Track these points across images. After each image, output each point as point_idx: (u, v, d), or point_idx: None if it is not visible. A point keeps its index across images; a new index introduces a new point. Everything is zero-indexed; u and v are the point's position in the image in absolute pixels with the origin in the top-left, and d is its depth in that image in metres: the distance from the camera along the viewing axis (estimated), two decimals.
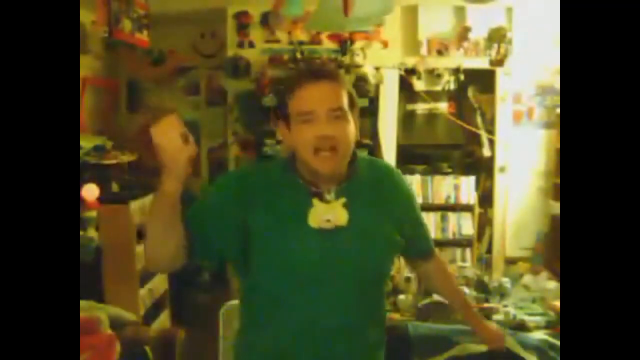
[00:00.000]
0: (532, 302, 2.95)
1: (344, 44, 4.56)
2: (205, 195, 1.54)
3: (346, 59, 4.59)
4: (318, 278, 1.42)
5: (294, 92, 1.42)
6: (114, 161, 3.84)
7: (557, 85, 4.68)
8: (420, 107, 4.99)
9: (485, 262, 4.74)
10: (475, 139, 4.90)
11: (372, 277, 1.50)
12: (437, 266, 1.77)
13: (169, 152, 1.28)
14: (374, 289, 1.54)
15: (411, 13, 4.70)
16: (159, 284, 3.73)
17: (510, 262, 4.52)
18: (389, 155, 4.73)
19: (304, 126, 1.40)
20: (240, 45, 4.71)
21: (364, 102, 4.60)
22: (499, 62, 4.55)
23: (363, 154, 1.61)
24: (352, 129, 1.43)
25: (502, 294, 3.03)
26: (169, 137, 1.27)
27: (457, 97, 4.95)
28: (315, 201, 1.42)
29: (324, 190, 1.44)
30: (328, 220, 1.40)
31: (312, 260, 1.41)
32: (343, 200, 1.42)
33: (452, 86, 4.83)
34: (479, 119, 4.86)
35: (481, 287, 3.09)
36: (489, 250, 4.87)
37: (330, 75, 1.42)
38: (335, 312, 1.44)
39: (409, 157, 4.98)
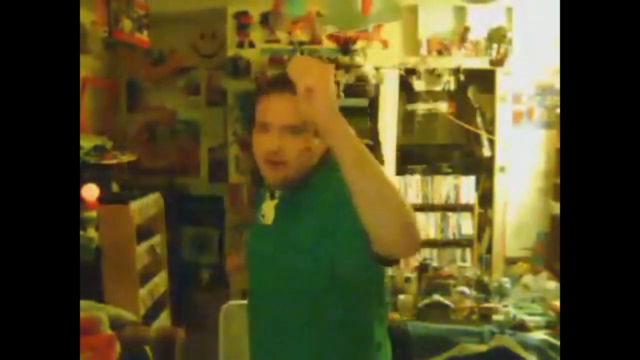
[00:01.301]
0: (532, 302, 2.95)
1: (346, 44, 4.55)
2: None
3: (346, 59, 4.58)
4: (262, 270, 1.52)
5: (259, 100, 1.42)
6: (114, 161, 3.84)
7: (557, 85, 4.68)
8: (420, 107, 4.99)
9: (485, 262, 4.74)
10: (475, 139, 4.90)
11: (291, 279, 1.43)
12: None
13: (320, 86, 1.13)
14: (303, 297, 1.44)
15: (411, 13, 4.70)
16: (159, 284, 3.73)
17: (510, 262, 4.52)
18: (389, 155, 4.74)
19: (259, 136, 1.42)
20: (240, 45, 4.71)
21: (364, 102, 4.61)
22: (499, 62, 4.55)
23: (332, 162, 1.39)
24: (308, 144, 1.39)
25: (502, 294, 3.03)
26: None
27: (457, 97, 4.95)
28: (267, 198, 1.53)
29: (274, 191, 1.51)
30: (262, 216, 1.52)
31: (254, 250, 1.56)
32: (275, 201, 1.49)
33: (452, 86, 4.83)
34: (479, 119, 4.86)
35: (481, 287, 3.09)
36: (489, 250, 4.87)
37: (291, 88, 1.21)
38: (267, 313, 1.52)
39: (409, 157, 4.98)
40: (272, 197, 1.50)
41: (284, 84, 1.31)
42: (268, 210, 1.49)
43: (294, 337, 1.44)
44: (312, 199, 1.42)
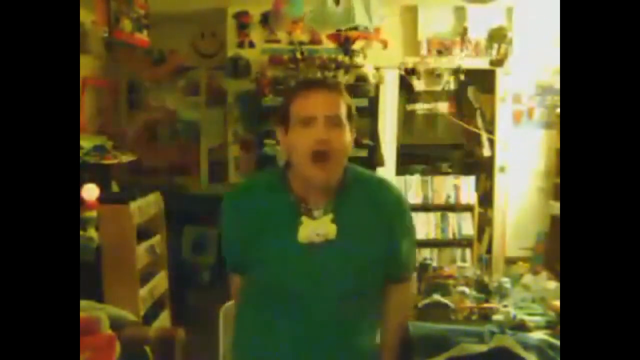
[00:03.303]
0: (532, 302, 2.94)
1: (346, 44, 4.55)
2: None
3: (346, 59, 4.58)
4: (309, 292, 1.49)
5: (296, 98, 1.49)
6: (114, 161, 3.84)
7: (557, 85, 4.68)
8: (420, 107, 4.99)
9: (485, 262, 4.74)
10: (475, 139, 4.90)
11: (364, 287, 1.54)
12: (395, 295, 1.66)
13: None
14: (369, 303, 1.59)
15: (411, 13, 4.70)
16: (159, 284, 3.73)
17: (510, 262, 4.52)
18: (389, 155, 4.74)
19: (303, 130, 1.46)
20: (240, 45, 4.71)
21: (364, 102, 4.60)
22: (499, 62, 4.55)
23: (351, 165, 1.61)
24: (347, 137, 1.49)
25: (502, 294, 3.02)
26: None
27: (457, 97, 4.95)
28: (304, 219, 1.49)
29: (312, 208, 1.51)
30: (318, 235, 1.47)
31: (302, 275, 1.49)
32: (331, 216, 1.49)
33: (452, 86, 4.83)
34: (479, 119, 4.87)
35: (481, 287, 3.08)
36: (489, 250, 4.87)
37: (331, 86, 1.51)
38: (325, 326, 1.51)
39: (409, 157, 4.98)
40: (310, 215, 1.50)
41: (321, 82, 1.61)
42: (326, 225, 1.49)
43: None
44: (360, 206, 1.53)
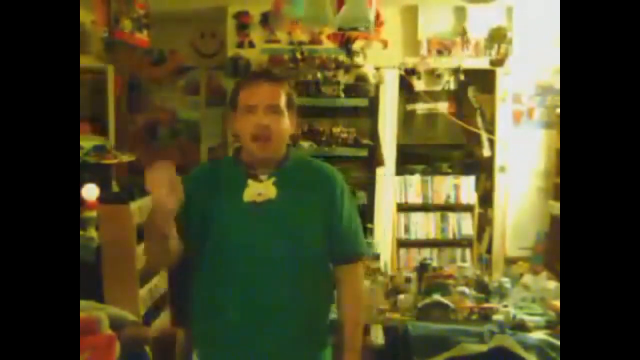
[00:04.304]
0: (532, 302, 2.94)
1: (347, 45, 4.55)
2: None
3: (346, 59, 4.58)
4: (252, 251, 1.68)
5: (242, 88, 1.74)
6: (114, 161, 3.84)
7: (557, 85, 4.68)
8: (420, 107, 4.99)
9: (485, 262, 4.73)
10: (475, 139, 4.90)
11: (302, 252, 1.70)
12: (344, 276, 1.80)
13: (156, 198, 1.53)
14: (309, 269, 1.71)
15: (411, 13, 4.70)
16: (159, 284, 3.72)
17: (510, 262, 4.52)
18: (389, 155, 4.73)
19: (247, 116, 1.70)
20: (240, 45, 4.71)
21: (364, 102, 4.60)
22: (499, 62, 4.55)
23: (307, 157, 1.94)
24: (285, 123, 1.72)
25: (502, 294, 3.02)
26: (159, 183, 1.54)
27: (457, 97, 4.95)
28: (250, 181, 1.72)
29: (258, 174, 1.73)
30: (259, 194, 1.70)
31: (245, 231, 1.70)
32: (273, 179, 1.72)
33: (452, 86, 4.83)
34: (479, 119, 4.86)
35: (481, 287, 3.08)
36: (489, 250, 4.87)
37: (272, 78, 1.74)
38: (269, 287, 1.67)
39: (409, 157, 4.98)
40: (256, 179, 1.72)
41: (262, 75, 1.80)
42: (267, 187, 1.71)
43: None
44: (298, 179, 1.75)
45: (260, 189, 1.70)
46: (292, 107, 1.76)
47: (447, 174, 4.94)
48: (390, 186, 4.76)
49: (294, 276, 1.69)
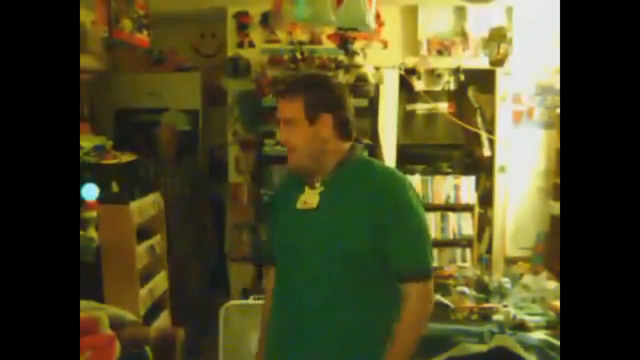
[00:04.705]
0: (532, 302, 2.94)
1: (346, 44, 4.55)
2: None
3: (346, 59, 4.58)
4: (296, 256, 1.73)
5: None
6: (114, 161, 3.84)
7: (557, 85, 4.67)
8: (420, 107, 4.98)
9: (485, 262, 4.73)
10: (475, 139, 4.90)
11: (341, 262, 1.66)
12: (406, 297, 1.66)
13: None
14: (349, 281, 1.67)
15: (411, 13, 4.70)
16: (159, 284, 3.72)
17: (510, 262, 4.52)
18: (389, 155, 4.73)
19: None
20: (240, 45, 4.71)
21: (364, 102, 4.60)
22: (499, 62, 4.54)
23: (364, 156, 1.87)
24: (304, 133, 1.71)
25: (502, 294, 3.03)
26: None
27: (457, 97, 4.95)
28: (306, 188, 1.74)
29: (314, 181, 1.74)
30: (305, 202, 1.73)
31: (292, 238, 1.75)
32: (320, 188, 1.72)
33: (452, 86, 4.83)
34: (479, 119, 4.86)
35: (481, 287, 3.09)
36: (489, 250, 4.87)
37: (286, 92, 1.74)
38: (310, 289, 1.68)
39: (409, 157, 4.97)
40: (311, 187, 1.74)
41: (279, 91, 1.92)
42: (313, 195, 1.73)
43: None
44: (350, 185, 1.71)
45: (307, 197, 1.73)
46: (317, 113, 1.69)
47: (447, 174, 4.93)
48: None
49: (329, 287, 1.67)
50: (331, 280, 1.67)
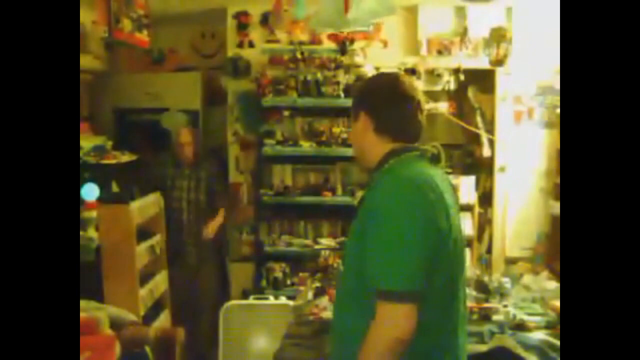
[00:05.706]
0: (532, 302, 2.94)
1: (343, 44, 4.55)
2: None
3: (346, 59, 4.58)
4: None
5: None
6: (114, 161, 3.84)
7: (557, 85, 4.67)
8: None
9: (485, 262, 4.73)
10: (475, 139, 4.90)
11: (345, 276, 1.67)
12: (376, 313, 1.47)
13: None
14: (349, 296, 1.64)
15: (411, 13, 4.70)
16: (159, 284, 3.73)
17: (510, 262, 4.52)
18: None
19: None
20: (240, 45, 4.70)
21: None
22: (499, 62, 4.54)
23: (395, 162, 1.68)
24: (354, 130, 1.77)
25: (502, 294, 3.02)
26: None
27: (457, 97, 4.94)
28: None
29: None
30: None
31: None
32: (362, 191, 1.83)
33: (452, 86, 4.82)
34: (479, 119, 4.86)
35: (481, 287, 3.08)
36: (489, 250, 4.86)
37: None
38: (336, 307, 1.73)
39: None
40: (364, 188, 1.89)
41: None
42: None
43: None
44: (368, 193, 1.66)
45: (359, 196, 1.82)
46: (357, 110, 1.75)
47: (447, 173, 4.92)
48: None
49: (339, 302, 1.73)
50: (339, 298, 1.73)
